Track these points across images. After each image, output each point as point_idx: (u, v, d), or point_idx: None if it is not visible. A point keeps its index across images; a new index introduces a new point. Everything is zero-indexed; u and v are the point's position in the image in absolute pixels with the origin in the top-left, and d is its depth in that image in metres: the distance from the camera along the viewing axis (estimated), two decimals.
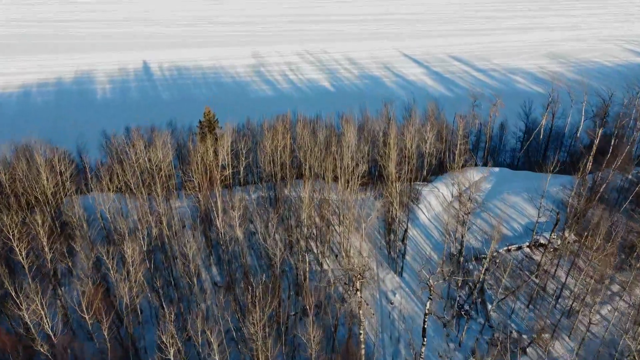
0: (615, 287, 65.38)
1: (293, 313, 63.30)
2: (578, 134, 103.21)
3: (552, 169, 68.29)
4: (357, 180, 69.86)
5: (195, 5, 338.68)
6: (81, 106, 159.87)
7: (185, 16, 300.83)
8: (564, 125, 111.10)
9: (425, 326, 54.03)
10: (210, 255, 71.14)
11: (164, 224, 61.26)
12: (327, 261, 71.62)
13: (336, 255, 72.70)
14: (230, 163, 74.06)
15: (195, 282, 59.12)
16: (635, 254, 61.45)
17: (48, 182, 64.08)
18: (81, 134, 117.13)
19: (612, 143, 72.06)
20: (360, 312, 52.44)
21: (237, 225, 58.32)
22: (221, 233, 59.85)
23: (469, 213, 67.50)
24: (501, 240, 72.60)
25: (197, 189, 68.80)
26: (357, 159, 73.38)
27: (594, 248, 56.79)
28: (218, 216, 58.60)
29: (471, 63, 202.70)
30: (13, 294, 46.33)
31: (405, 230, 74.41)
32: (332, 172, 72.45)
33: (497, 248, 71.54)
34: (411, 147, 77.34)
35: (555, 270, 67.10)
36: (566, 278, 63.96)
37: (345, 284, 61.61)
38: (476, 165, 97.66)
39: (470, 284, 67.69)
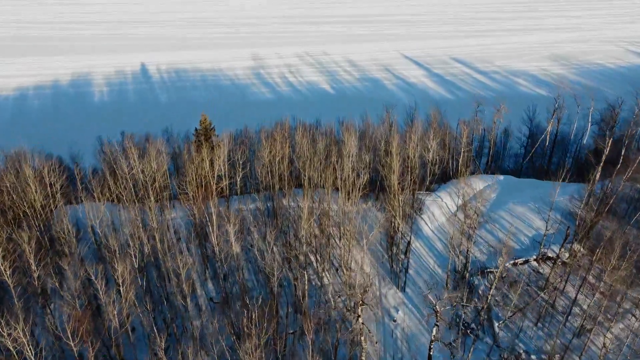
0: (627, 304, 62.79)
1: (292, 331, 60.79)
2: (584, 141, 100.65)
3: (555, 179, 65.94)
4: (358, 193, 67.28)
5: (194, 6, 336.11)
6: (78, 110, 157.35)
7: (183, 18, 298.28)
8: (568, 130, 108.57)
9: (431, 353, 51.45)
10: (206, 270, 68.64)
11: (157, 239, 58.69)
12: (328, 275, 69.14)
13: (337, 269, 70.20)
14: (226, 174, 71.48)
15: (189, 301, 56.56)
16: None
17: (37, 195, 61.55)
18: (74, 141, 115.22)
19: (623, 152, 69.63)
20: (362, 338, 49.94)
21: (233, 241, 55.78)
22: (216, 250, 57.30)
23: (475, 228, 64.90)
24: (507, 253, 70.13)
25: (192, 202, 66.26)
26: (358, 169, 70.82)
27: (609, 268, 54.14)
28: (213, 232, 56.07)
29: (473, 65, 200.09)
30: None
31: (408, 243, 71.89)
32: (332, 184, 69.89)
33: (503, 261, 68.98)
34: (414, 157, 74.78)
35: (564, 286, 64.55)
36: (576, 295, 61.36)
37: (347, 310, 58.88)
38: (480, 173, 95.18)
39: (476, 300, 65.15)
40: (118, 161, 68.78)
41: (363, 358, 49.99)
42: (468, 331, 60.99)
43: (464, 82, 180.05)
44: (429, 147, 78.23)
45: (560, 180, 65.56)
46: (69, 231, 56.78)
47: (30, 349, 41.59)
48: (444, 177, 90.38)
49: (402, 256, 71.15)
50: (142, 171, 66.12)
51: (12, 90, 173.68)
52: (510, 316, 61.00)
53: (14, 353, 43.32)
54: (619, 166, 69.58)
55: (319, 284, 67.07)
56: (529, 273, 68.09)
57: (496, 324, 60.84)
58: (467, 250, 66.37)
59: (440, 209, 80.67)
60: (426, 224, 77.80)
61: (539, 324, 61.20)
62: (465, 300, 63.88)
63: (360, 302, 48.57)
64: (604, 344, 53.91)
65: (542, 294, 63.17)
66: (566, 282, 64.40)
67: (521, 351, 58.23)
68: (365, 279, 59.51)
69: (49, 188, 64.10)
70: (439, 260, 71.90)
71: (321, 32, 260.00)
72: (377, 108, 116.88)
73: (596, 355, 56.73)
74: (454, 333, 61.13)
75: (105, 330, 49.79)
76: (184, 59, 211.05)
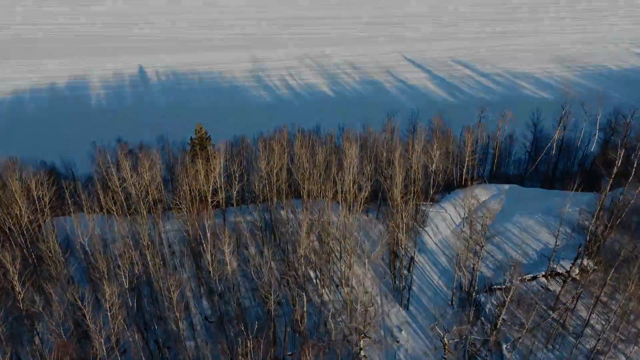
0: None
1: (290, 353, 58.12)
2: (592, 148, 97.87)
3: (560, 186, 63.29)
4: (360, 208, 64.52)
5: (193, 8, 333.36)
6: (74, 114, 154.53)
7: (182, 20, 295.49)
8: (574, 136, 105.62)
9: None
10: (201, 286, 65.94)
11: (149, 258, 55.97)
12: (327, 292, 66.44)
13: (337, 286, 67.49)
14: (222, 187, 68.76)
15: (183, 321, 53.87)
16: None
17: (23, 211, 58.76)
18: (70, 147, 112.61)
19: (635, 163, 66.81)
20: None
21: (229, 261, 53.07)
22: (211, 271, 54.58)
23: (482, 246, 62.13)
24: (513, 268, 67.42)
25: (187, 217, 63.56)
26: (360, 181, 68.02)
27: (628, 291, 51.41)
28: (208, 251, 53.31)
29: (475, 67, 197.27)
30: None
31: (412, 259, 69.15)
32: (332, 197, 67.15)
33: (510, 277, 66.27)
34: (417, 169, 72.01)
35: (575, 304, 61.77)
36: (589, 315, 58.53)
37: (347, 341, 56.10)
38: (484, 182, 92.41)
39: (483, 319, 62.43)
40: (110, 174, 66.03)
41: None
42: (475, 354, 58.22)
43: (466, 85, 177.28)
44: (433, 157, 75.46)
45: (573, 189, 63.04)
46: (56, 250, 54.03)
47: None
48: (447, 186, 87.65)
49: (405, 272, 68.45)
50: (134, 185, 63.35)
51: (7, 93, 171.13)
52: (520, 337, 58.26)
53: None
54: (631, 178, 66.79)
55: (318, 301, 64.37)
56: (537, 290, 65.34)
57: (504, 346, 58.13)
58: (474, 268, 63.65)
59: (444, 221, 77.95)
60: (430, 237, 75.08)
61: (549, 346, 58.48)
62: (471, 319, 61.23)
63: (363, 335, 45.84)
64: None
65: (553, 315, 60.36)
66: (577, 301, 61.61)
67: None
68: (367, 299, 56.79)
69: (36, 202, 61.36)
70: (443, 275, 69.19)
71: (321, 34, 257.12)
72: (378, 112, 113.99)
73: None
74: (460, 357, 58.40)
75: (93, 357, 47.12)
76: (183, 62, 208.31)
